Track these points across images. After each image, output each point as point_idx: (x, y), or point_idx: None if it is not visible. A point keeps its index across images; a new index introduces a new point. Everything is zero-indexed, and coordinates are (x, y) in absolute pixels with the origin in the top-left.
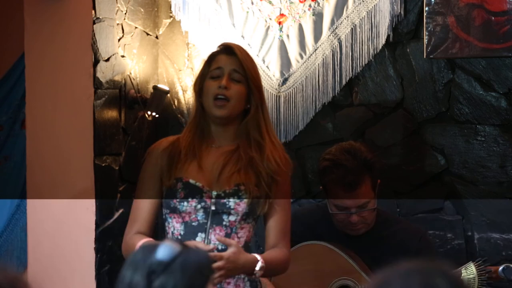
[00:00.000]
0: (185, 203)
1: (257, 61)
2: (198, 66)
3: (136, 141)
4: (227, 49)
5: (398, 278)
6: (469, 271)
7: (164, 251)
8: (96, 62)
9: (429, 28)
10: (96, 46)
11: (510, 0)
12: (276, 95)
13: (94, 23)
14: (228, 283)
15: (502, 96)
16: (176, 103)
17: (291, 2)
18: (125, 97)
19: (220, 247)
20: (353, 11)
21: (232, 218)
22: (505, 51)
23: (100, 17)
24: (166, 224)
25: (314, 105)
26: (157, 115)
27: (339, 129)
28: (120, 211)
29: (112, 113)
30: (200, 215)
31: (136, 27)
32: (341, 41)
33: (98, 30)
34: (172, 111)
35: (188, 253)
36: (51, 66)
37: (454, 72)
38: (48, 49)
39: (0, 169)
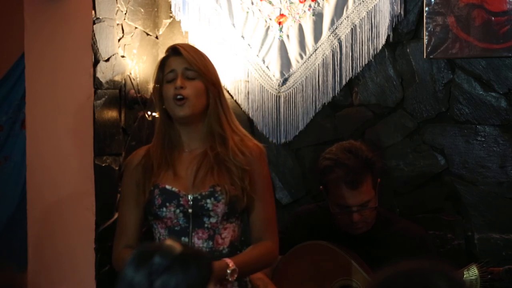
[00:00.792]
0: (164, 209)
1: (257, 61)
2: None
3: (136, 141)
4: (175, 51)
5: (398, 278)
6: (471, 272)
7: (165, 251)
8: (96, 62)
9: (429, 28)
10: (96, 46)
11: (510, 0)
12: (276, 95)
13: (94, 23)
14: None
15: (502, 96)
16: None
17: (291, 2)
18: (125, 97)
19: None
20: (353, 11)
21: (213, 220)
22: (505, 51)
23: (100, 17)
24: (153, 230)
25: (314, 105)
26: (157, 115)
27: (339, 129)
28: None
29: (112, 113)
30: (181, 219)
31: (136, 27)
32: (341, 41)
33: (98, 30)
34: None
35: (188, 253)
36: (51, 66)
37: (454, 72)
38: (48, 49)
39: (0, 169)
